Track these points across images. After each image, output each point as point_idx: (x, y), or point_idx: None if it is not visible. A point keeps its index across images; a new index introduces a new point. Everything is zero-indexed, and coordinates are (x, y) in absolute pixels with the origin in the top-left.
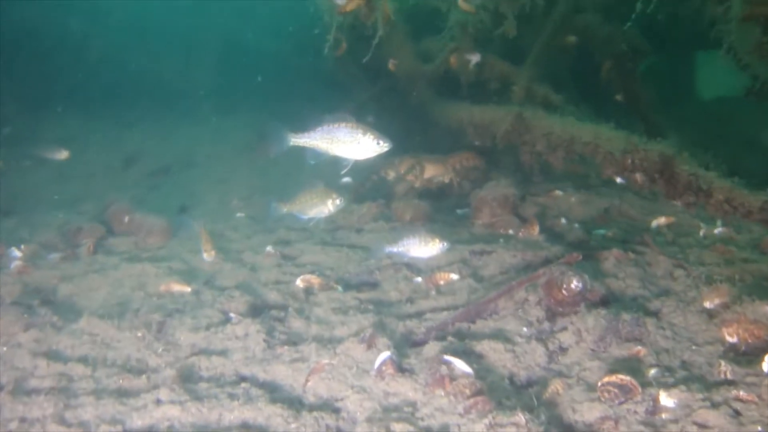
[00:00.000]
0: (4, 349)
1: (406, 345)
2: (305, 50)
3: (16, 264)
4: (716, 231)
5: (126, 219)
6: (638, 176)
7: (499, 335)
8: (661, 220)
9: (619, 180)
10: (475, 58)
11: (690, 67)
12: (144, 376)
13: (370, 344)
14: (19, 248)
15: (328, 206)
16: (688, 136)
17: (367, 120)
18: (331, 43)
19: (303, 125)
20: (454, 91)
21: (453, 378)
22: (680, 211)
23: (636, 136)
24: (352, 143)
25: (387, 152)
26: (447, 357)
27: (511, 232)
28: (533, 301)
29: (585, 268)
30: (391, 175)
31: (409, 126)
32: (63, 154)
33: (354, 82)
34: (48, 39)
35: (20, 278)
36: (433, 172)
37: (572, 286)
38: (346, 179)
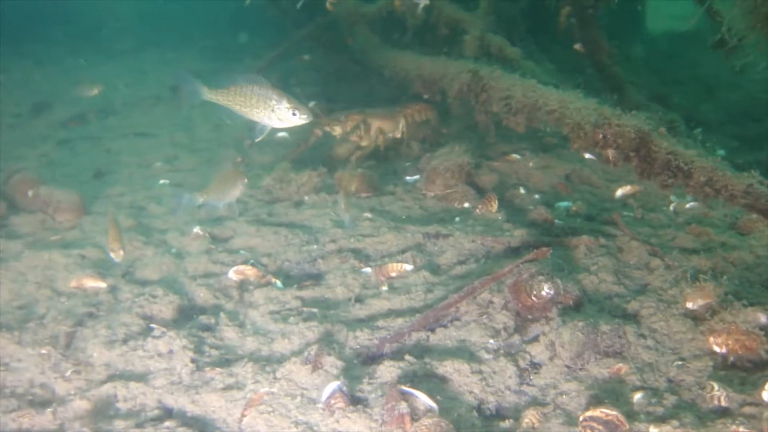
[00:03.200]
0: None
1: (357, 361)
2: None
3: None
4: (688, 206)
5: (30, 193)
6: (610, 153)
7: (462, 350)
8: (627, 189)
9: (587, 156)
10: (423, 1)
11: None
12: (49, 411)
13: (315, 365)
14: None
15: (239, 188)
16: (643, 86)
17: (303, 57)
18: None
19: (219, 77)
20: (398, 36)
21: (414, 416)
22: None
23: (608, 107)
24: (266, 110)
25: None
26: (406, 388)
27: (466, 205)
28: (498, 305)
29: (554, 261)
30: (337, 131)
31: (347, 70)
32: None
33: (287, 18)
34: None
35: None
36: (381, 126)
37: (543, 293)
38: (283, 134)
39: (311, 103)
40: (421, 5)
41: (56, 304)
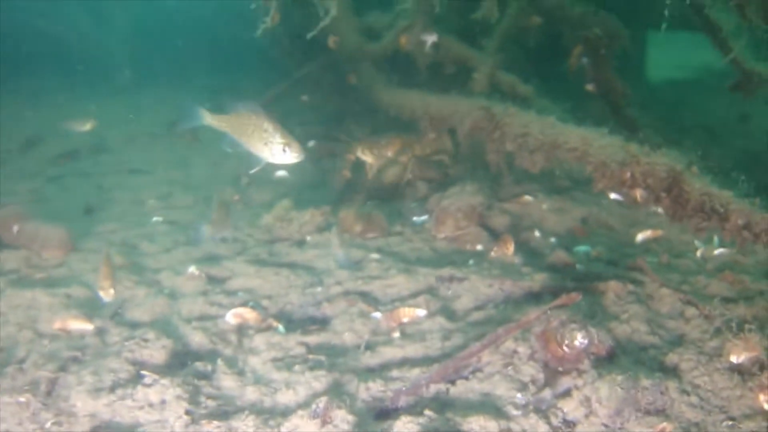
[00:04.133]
0: None
1: (369, 417)
2: (234, 18)
3: None
4: (716, 252)
5: (15, 229)
6: (638, 193)
7: (488, 405)
8: (648, 233)
9: (613, 196)
10: (431, 39)
11: (641, 47)
12: None
13: (324, 419)
14: None
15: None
16: (653, 129)
17: (302, 98)
18: (261, 14)
19: (221, 105)
20: (404, 74)
21: None
22: (665, 222)
23: (635, 144)
24: (260, 142)
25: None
26: None
27: (479, 247)
28: (524, 355)
29: (583, 308)
30: (370, 158)
31: (347, 109)
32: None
33: (288, 57)
34: None
35: None
36: (425, 148)
37: (576, 343)
38: (282, 172)
39: (311, 143)
40: (429, 43)
41: (38, 347)
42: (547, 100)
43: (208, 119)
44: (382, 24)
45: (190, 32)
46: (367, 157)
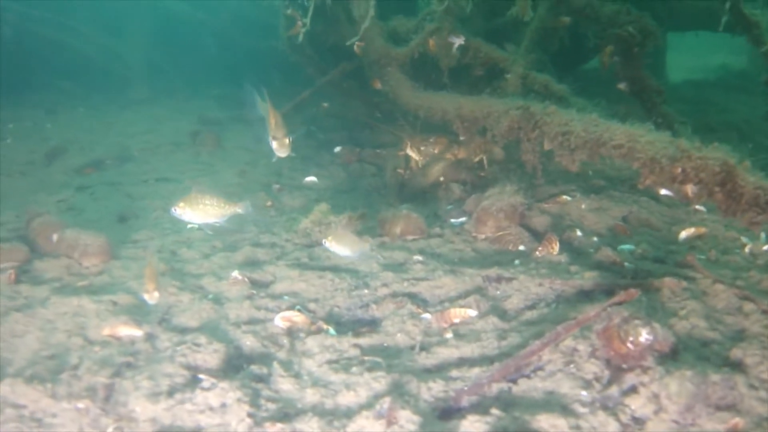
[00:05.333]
0: None
1: (434, 416)
2: (252, 28)
3: None
4: (765, 247)
5: (54, 237)
6: (689, 188)
7: (554, 403)
8: (691, 231)
9: (664, 192)
10: (458, 41)
11: (662, 48)
12: None
13: (389, 420)
14: None
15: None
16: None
17: (322, 105)
18: (284, 22)
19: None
20: (427, 77)
21: None
22: (708, 220)
23: (685, 140)
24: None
25: None
26: None
27: (522, 248)
28: (585, 353)
29: (643, 305)
30: (415, 155)
31: (369, 116)
32: None
33: (309, 64)
34: None
35: None
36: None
37: (641, 339)
38: (312, 178)
39: (337, 148)
40: (456, 45)
41: (90, 353)
42: (582, 98)
43: (260, 108)
44: (406, 28)
45: (207, 43)
46: (414, 154)
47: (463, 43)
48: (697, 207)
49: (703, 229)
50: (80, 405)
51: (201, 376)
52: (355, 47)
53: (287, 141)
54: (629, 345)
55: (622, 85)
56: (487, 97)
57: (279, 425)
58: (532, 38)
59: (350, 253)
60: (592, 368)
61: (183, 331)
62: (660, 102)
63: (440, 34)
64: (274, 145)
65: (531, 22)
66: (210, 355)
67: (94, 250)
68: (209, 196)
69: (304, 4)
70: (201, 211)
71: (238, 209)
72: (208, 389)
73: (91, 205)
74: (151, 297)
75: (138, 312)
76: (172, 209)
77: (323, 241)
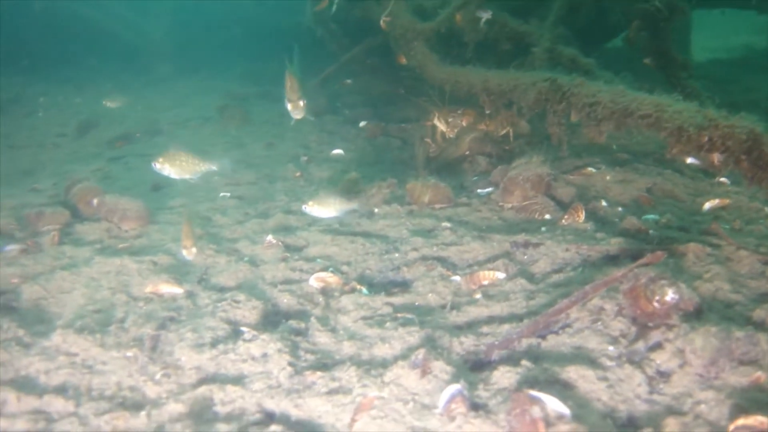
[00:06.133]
0: None
1: (465, 368)
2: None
3: None
4: None
5: (95, 202)
6: (715, 157)
7: (581, 356)
8: (715, 202)
9: (690, 160)
10: (486, 15)
11: (686, 27)
12: (143, 414)
13: (424, 370)
14: None
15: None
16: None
17: (345, 82)
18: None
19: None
20: (450, 52)
21: (548, 422)
22: (732, 192)
23: (712, 109)
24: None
25: None
26: (535, 392)
27: (548, 216)
28: (611, 311)
29: (668, 267)
30: (442, 127)
31: (392, 92)
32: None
33: (334, 40)
34: None
35: None
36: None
37: (667, 298)
38: (338, 150)
39: (362, 123)
40: (484, 19)
41: (134, 308)
42: (608, 72)
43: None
44: (432, 3)
45: (231, 21)
46: (441, 125)
47: (490, 17)
48: (721, 179)
49: (727, 201)
50: (129, 354)
51: (243, 328)
52: (381, 22)
53: (301, 103)
54: (655, 304)
55: (648, 60)
56: (513, 71)
57: (318, 373)
58: (559, 13)
59: (335, 213)
60: (618, 326)
61: (221, 289)
62: (686, 77)
63: (468, 9)
64: (289, 107)
65: None
66: (249, 311)
67: (132, 215)
68: (185, 154)
69: None
70: (177, 167)
71: (213, 167)
72: (249, 341)
73: (125, 174)
74: (189, 253)
75: (177, 272)
76: (153, 164)
77: (303, 207)
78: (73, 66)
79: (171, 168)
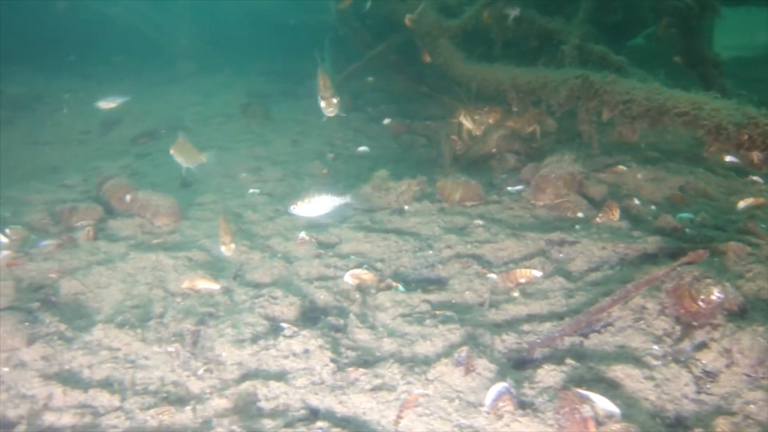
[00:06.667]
0: (6, 369)
1: (508, 366)
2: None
3: (3, 254)
4: None
5: (128, 198)
6: (755, 155)
7: (626, 355)
8: (750, 201)
9: (729, 158)
10: (513, 13)
11: (709, 25)
12: (188, 409)
13: (468, 368)
14: (3, 233)
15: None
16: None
17: (367, 79)
18: None
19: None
20: (475, 49)
21: (598, 421)
22: (766, 191)
23: (751, 106)
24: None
25: None
26: (583, 391)
27: (580, 215)
28: (654, 310)
29: (711, 266)
30: (468, 124)
31: (414, 89)
32: None
33: (357, 38)
34: None
35: (11, 272)
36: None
37: (713, 297)
38: (363, 147)
39: (386, 120)
40: (512, 16)
41: (172, 304)
42: (641, 69)
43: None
44: (457, 0)
45: (252, 18)
46: (467, 123)
47: (518, 15)
48: (754, 178)
49: (761, 200)
50: (170, 349)
51: (283, 324)
52: (406, 20)
53: (334, 101)
54: (700, 303)
55: (678, 58)
56: (542, 68)
57: (361, 370)
58: (587, 10)
59: (326, 210)
60: (661, 325)
61: (257, 285)
62: (717, 74)
63: (495, 6)
64: (322, 104)
65: None
66: (287, 307)
67: (165, 211)
68: (189, 146)
69: None
70: (183, 156)
71: (203, 158)
72: (290, 337)
73: (152, 170)
74: (228, 249)
75: (212, 268)
76: (170, 151)
77: (290, 208)
78: (97, 63)
79: (179, 156)
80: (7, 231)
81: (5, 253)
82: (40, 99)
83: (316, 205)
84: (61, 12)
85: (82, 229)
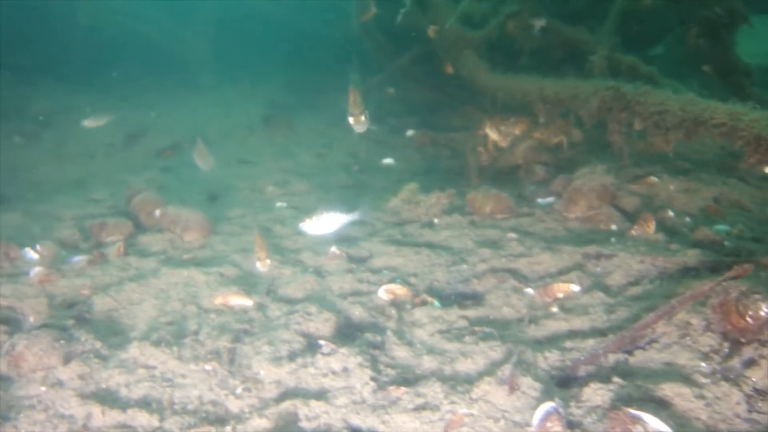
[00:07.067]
0: (43, 389)
1: (552, 384)
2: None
3: (36, 270)
4: None
5: (157, 212)
6: None
7: (674, 373)
8: None
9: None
10: (539, 23)
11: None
12: (229, 428)
13: (512, 386)
14: (34, 249)
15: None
16: None
17: (388, 91)
18: (357, 7)
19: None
20: (501, 60)
21: None
22: None
23: None
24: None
25: None
26: (634, 411)
27: (614, 227)
28: (698, 326)
29: (759, 280)
30: (493, 135)
31: (436, 101)
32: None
33: (380, 49)
34: (33, 3)
35: (43, 289)
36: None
37: (762, 313)
38: (388, 160)
39: (410, 132)
40: (537, 27)
41: (206, 320)
42: (673, 79)
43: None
44: (479, 11)
45: (270, 31)
46: (493, 134)
47: (544, 25)
48: None
49: None
50: (207, 367)
51: (320, 342)
52: (429, 31)
53: (363, 118)
54: (748, 319)
55: (707, 67)
56: (571, 79)
57: (403, 389)
58: (615, 20)
59: (333, 229)
60: (708, 341)
61: (290, 301)
62: (748, 83)
63: (520, 17)
64: (351, 120)
65: (615, 3)
66: (322, 324)
67: (194, 225)
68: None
69: None
70: (200, 160)
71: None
72: (328, 354)
73: (178, 184)
74: (263, 264)
75: (244, 283)
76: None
77: (300, 225)
78: (121, 78)
79: (198, 160)
80: (38, 247)
81: (37, 269)
82: (64, 113)
83: (325, 222)
84: (85, 26)
85: (112, 244)
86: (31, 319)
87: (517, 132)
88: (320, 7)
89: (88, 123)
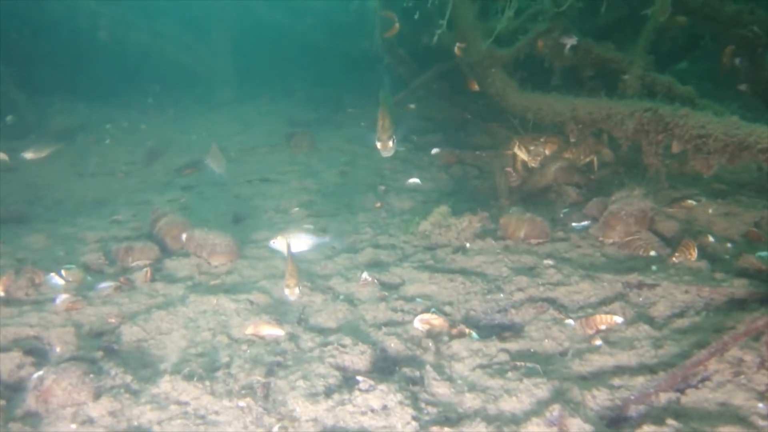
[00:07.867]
0: (73, 426)
1: (602, 425)
2: (336, 31)
3: (62, 298)
4: None
5: (184, 236)
6: None
7: (729, 414)
8: None
9: None
10: (571, 42)
11: None
12: None
13: (561, 428)
14: (60, 274)
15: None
16: None
17: (409, 107)
18: (380, 24)
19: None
20: (527, 77)
21: None
22: None
23: None
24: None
25: None
26: None
27: (653, 253)
28: (752, 363)
29: None
30: (524, 156)
31: (458, 118)
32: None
33: (403, 66)
34: (53, 18)
35: (70, 317)
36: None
37: None
38: (414, 180)
39: (434, 150)
40: (569, 45)
41: (238, 352)
42: (713, 101)
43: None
44: (509, 28)
45: (290, 46)
46: (522, 154)
47: (575, 43)
48: None
49: None
50: (242, 403)
51: (358, 378)
52: (455, 49)
53: (391, 144)
54: None
55: (743, 86)
56: (606, 99)
57: (447, 429)
58: (648, 38)
59: (301, 249)
60: (763, 379)
61: (322, 331)
62: None
63: (551, 35)
64: (379, 146)
65: (648, 21)
66: (357, 357)
67: (222, 250)
68: (221, 155)
69: (401, 5)
70: (214, 163)
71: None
72: (366, 391)
73: (202, 204)
74: (292, 293)
75: (274, 311)
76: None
77: (270, 243)
78: (136, 92)
79: (213, 162)
80: (64, 273)
81: (63, 296)
82: (84, 129)
83: (294, 242)
84: (103, 42)
85: (138, 269)
86: (58, 349)
87: (547, 152)
88: (338, 24)
89: (28, 155)
